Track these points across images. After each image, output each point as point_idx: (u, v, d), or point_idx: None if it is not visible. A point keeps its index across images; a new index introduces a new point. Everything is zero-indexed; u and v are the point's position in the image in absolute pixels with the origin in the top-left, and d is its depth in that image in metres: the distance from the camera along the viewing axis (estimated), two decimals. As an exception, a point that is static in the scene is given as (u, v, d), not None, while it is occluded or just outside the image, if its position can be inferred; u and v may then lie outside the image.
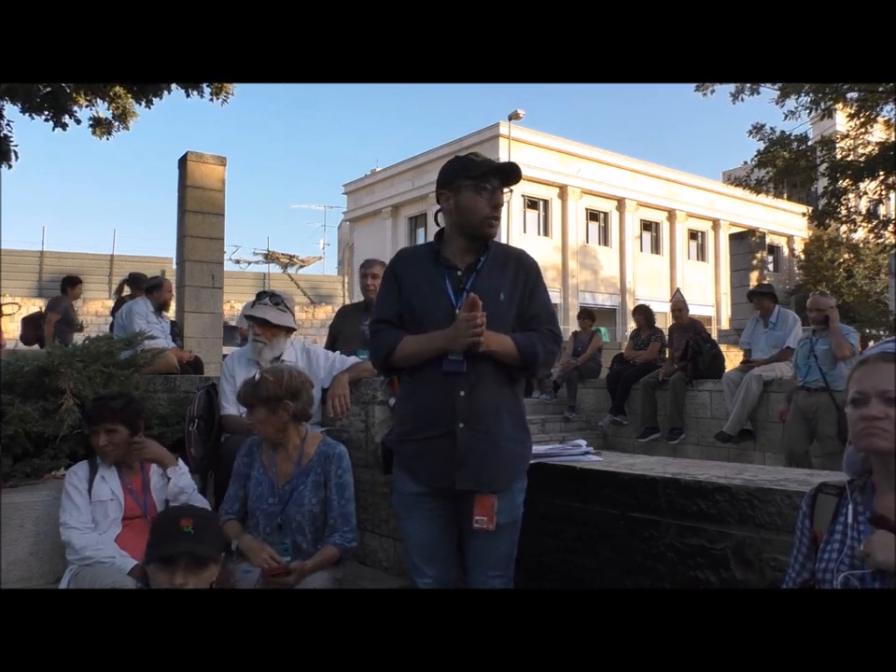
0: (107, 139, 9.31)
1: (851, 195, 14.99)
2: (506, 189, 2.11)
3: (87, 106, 8.74)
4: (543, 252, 23.53)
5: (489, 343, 1.98)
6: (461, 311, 1.97)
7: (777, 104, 14.11)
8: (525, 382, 2.22)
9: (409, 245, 27.02)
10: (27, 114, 8.11)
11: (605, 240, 27.93)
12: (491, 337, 1.98)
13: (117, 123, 9.17)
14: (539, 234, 25.30)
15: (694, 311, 8.31)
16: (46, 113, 8.12)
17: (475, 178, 2.05)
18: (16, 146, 8.39)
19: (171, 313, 7.64)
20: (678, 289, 11.99)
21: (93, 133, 9.24)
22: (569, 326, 18.46)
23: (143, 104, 8.76)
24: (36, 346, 7.42)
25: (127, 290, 7.81)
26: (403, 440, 2.15)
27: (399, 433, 2.20)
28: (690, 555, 2.06)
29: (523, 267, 2.14)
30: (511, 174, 2.10)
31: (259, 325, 3.36)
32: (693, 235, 30.49)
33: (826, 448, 5.41)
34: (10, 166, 8.40)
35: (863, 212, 15.35)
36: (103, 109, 9.09)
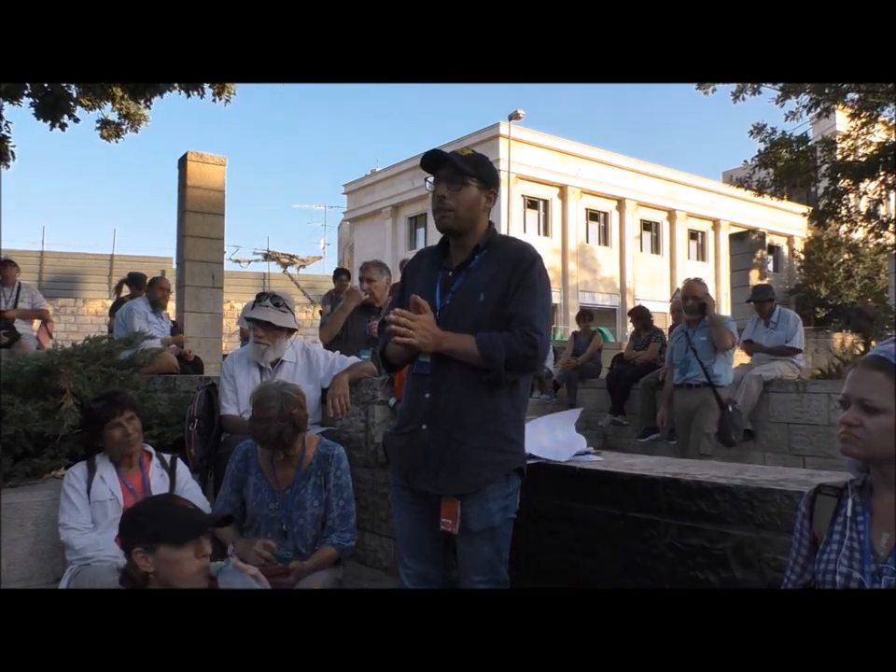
0: (116, 142, 9.30)
1: (851, 195, 14.98)
2: (472, 178, 2.06)
3: (91, 109, 8.73)
4: (543, 252, 23.39)
5: (441, 342, 1.95)
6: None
7: (778, 103, 14.12)
8: (512, 388, 2.07)
9: (409, 244, 27.09)
10: (38, 118, 8.12)
11: (605, 240, 27.92)
12: (448, 336, 1.96)
13: (125, 126, 9.17)
14: (538, 234, 25.28)
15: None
16: (40, 115, 8.11)
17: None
18: (14, 146, 8.40)
19: (171, 313, 7.66)
20: (678, 289, 11.95)
21: (101, 135, 9.23)
22: (569, 326, 18.46)
23: (142, 103, 8.77)
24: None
25: (126, 290, 7.82)
26: (392, 433, 2.23)
27: (392, 427, 2.29)
28: (690, 555, 2.06)
29: (511, 263, 2.04)
30: (425, 164, 2.09)
31: (261, 327, 3.35)
32: (693, 235, 30.48)
33: (701, 448, 4.95)
34: (8, 166, 8.40)
35: (863, 212, 15.35)
36: (108, 111, 9.10)
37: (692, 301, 5.15)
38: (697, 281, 5.46)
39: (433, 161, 2.07)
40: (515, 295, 2.00)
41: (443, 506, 1.99)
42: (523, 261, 2.05)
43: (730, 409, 5.02)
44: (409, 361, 2.13)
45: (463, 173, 2.03)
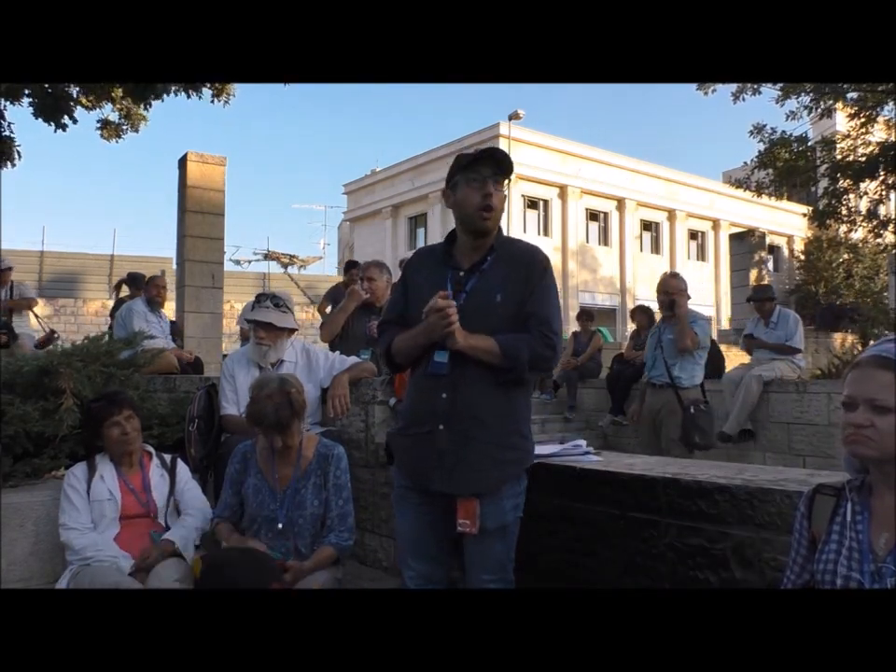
0: (116, 142, 9.30)
1: (852, 195, 14.97)
2: (506, 182, 2.08)
3: (91, 109, 8.73)
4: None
5: (468, 340, 1.96)
6: (432, 304, 1.94)
7: (778, 103, 14.11)
8: (526, 386, 2.14)
9: (409, 244, 27.08)
10: (37, 117, 8.12)
11: (605, 240, 27.91)
12: (471, 335, 1.97)
13: (126, 126, 9.17)
14: (538, 234, 25.27)
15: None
16: (39, 115, 8.11)
17: (465, 169, 2.05)
18: (18, 146, 8.40)
19: (171, 313, 7.65)
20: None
21: (101, 135, 9.23)
22: (569, 326, 18.46)
23: (142, 106, 8.77)
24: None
25: (125, 290, 7.82)
26: (397, 433, 2.22)
27: (397, 427, 2.26)
28: (689, 555, 2.05)
29: (526, 265, 2.09)
30: (498, 160, 2.05)
31: (262, 328, 3.35)
32: (693, 235, 30.46)
33: (672, 455, 4.52)
34: (14, 165, 8.39)
35: (863, 212, 15.34)
36: (108, 111, 9.10)
37: (663, 296, 4.90)
38: (673, 276, 5.20)
39: (496, 161, 2.05)
40: (533, 296, 2.04)
41: (461, 506, 1.98)
42: (538, 263, 2.10)
43: (692, 410, 4.69)
44: (416, 361, 2.12)
45: (508, 174, 2.08)
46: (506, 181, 2.08)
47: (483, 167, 2.04)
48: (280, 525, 2.59)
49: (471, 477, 1.99)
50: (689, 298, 4.97)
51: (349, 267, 7.58)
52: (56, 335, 7.01)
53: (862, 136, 14.35)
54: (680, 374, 4.78)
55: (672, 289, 4.87)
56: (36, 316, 7.31)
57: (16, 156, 8.34)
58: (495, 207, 2.04)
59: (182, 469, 2.97)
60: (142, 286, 6.78)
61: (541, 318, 2.03)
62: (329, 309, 7.41)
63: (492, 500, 2.01)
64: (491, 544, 2.03)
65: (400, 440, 2.17)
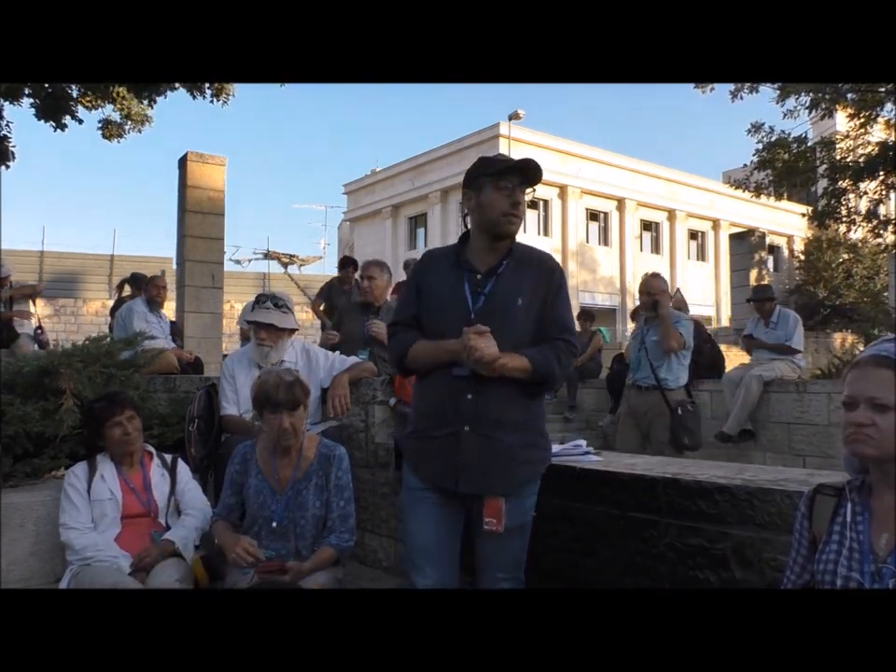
0: (118, 141, 9.31)
1: (851, 195, 14.96)
2: (528, 190, 2.11)
3: (92, 108, 8.74)
4: (543, 252, 23.43)
5: (504, 363, 1.96)
6: (467, 335, 1.92)
7: (777, 103, 14.10)
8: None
9: (409, 244, 27.04)
10: (39, 118, 8.14)
11: (605, 240, 27.91)
12: (504, 355, 1.96)
13: (128, 126, 9.19)
14: (538, 234, 25.27)
15: (694, 311, 8.21)
16: (40, 115, 8.13)
17: (494, 175, 2.06)
18: (14, 146, 8.41)
19: (171, 313, 7.65)
20: (677, 289, 11.91)
21: (103, 135, 9.24)
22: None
23: (146, 102, 8.78)
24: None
25: (127, 290, 7.82)
26: (411, 436, 2.19)
27: (410, 430, 2.23)
28: (690, 555, 2.06)
29: (545, 272, 2.12)
30: (530, 171, 2.08)
31: (263, 329, 3.35)
32: (693, 235, 30.46)
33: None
34: (8, 166, 8.41)
35: (863, 212, 15.33)
36: (109, 111, 9.11)
37: (645, 297, 4.83)
38: (654, 276, 5.08)
39: (523, 172, 2.08)
40: (552, 303, 2.09)
41: (487, 505, 2.00)
42: (555, 271, 2.15)
43: (679, 411, 4.63)
44: (432, 369, 2.10)
45: (534, 184, 2.12)
46: (528, 189, 2.12)
47: (513, 176, 2.07)
48: (280, 526, 2.58)
49: (501, 477, 2.01)
50: (671, 297, 4.93)
51: (345, 264, 7.49)
52: (41, 331, 7.06)
53: (862, 136, 14.34)
54: (666, 376, 4.72)
55: (654, 290, 4.80)
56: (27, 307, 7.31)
57: (11, 156, 8.36)
58: (520, 214, 2.08)
59: (183, 468, 2.97)
60: (143, 286, 6.77)
61: (563, 326, 2.09)
62: (322, 307, 7.39)
63: (515, 499, 2.04)
64: (510, 542, 2.06)
65: (418, 442, 2.14)
